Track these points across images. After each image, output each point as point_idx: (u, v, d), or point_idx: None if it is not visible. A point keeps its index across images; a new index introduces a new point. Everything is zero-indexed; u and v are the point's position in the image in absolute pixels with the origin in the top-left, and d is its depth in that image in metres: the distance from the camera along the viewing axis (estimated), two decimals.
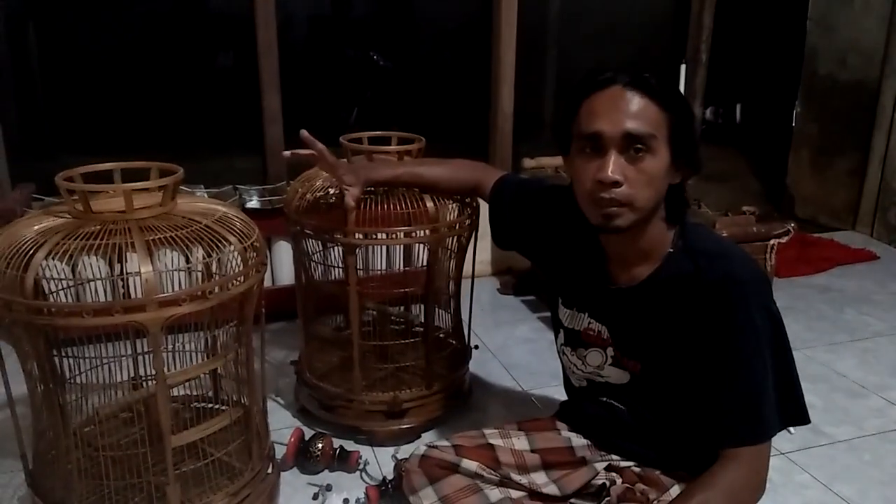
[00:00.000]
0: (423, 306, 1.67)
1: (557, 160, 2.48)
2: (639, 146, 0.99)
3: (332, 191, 1.55)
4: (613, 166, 0.99)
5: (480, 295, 1.79)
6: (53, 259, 1.11)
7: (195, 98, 2.74)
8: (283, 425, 1.69)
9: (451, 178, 1.48)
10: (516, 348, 2.15)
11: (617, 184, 0.99)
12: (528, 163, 2.50)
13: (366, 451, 1.59)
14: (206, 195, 2.14)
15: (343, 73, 3.24)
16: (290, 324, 2.10)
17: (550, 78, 3.31)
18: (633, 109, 0.99)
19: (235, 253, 1.19)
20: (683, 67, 3.03)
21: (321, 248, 1.69)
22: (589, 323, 1.19)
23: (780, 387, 1.04)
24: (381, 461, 1.57)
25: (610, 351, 1.17)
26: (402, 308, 1.87)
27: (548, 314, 2.40)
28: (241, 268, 1.19)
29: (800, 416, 1.07)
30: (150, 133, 2.63)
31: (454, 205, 1.58)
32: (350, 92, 3.26)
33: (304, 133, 1.41)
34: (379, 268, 1.87)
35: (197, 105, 2.75)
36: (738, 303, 1.01)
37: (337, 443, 1.56)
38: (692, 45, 2.97)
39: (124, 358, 1.42)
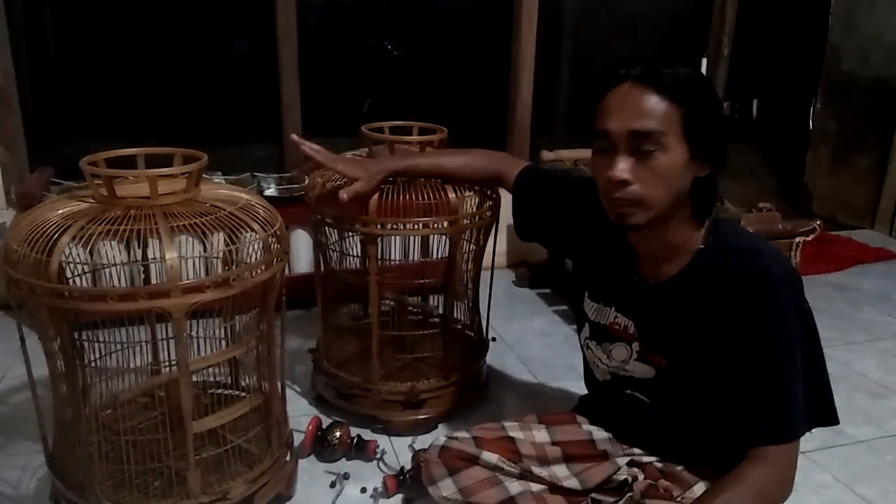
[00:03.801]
0: (441, 297, 1.66)
1: (576, 153, 2.46)
2: (648, 144, 0.97)
3: None
4: (621, 165, 0.99)
5: (496, 287, 1.78)
6: (77, 245, 1.10)
7: (212, 84, 2.73)
8: (299, 413, 1.69)
9: (473, 168, 1.46)
10: (532, 341, 2.14)
11: (626, 183, 0.99)
12: (547, 155, 2.48)
13: (383, 441, 1.59)
14: (223, 182, 2.14)
15: (358, 62, 3.22)
16: (306, 312, 2.10)
17: (569, 70, 3.28)
18: (641, 107, 0.97)
19: (258, 241, 1.19)
20: (705, 61, 3.00)
21: (338, 236, 1.68)
22: (615, 317, 1.18)
23: (811, 387, 1.03)
24: (398, 451, 1.57)
25: (636, 346, 1.16)
26: (419, 298, 1.86)
27: (563, 307, 2.39)
28: (264, 256, 1.18)
29: (829, 417, 1.06)
30: (166, 119, 2.63)
31: (475, 197, 1.57)
32: (364, 81, 3.24)
33: (294, 137, 1.42)
34: (395, 258, 1.86)
35: (213, 91, 2.74)
36: (770, 300, 1.00)
37: (354, 432, 1.56)
38: (714, 39, 2.94)
39: (146, 343, 1.42)
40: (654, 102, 0.97)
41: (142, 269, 1.40)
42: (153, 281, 1.36)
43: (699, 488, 1.13)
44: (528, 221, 1.38)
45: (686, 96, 0.98)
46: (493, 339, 1.86)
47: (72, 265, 1.26)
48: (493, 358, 1.91)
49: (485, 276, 1.73)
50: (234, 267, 1.17)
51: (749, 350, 1.02)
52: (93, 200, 1.16)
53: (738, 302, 1.01)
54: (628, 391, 1.20)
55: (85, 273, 1.37)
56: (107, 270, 1.44)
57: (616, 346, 1.19)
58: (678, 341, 1.10)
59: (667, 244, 1.08)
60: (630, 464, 1.21)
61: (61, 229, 1.08)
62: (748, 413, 1.02)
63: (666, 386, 1.15)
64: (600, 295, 1.21)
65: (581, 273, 1.28)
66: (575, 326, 2.14)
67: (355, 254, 1.73)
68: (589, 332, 1.24)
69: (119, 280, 1.47)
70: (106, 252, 1.46)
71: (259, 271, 1.17)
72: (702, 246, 1.07)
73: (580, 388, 1.39)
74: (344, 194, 1.36)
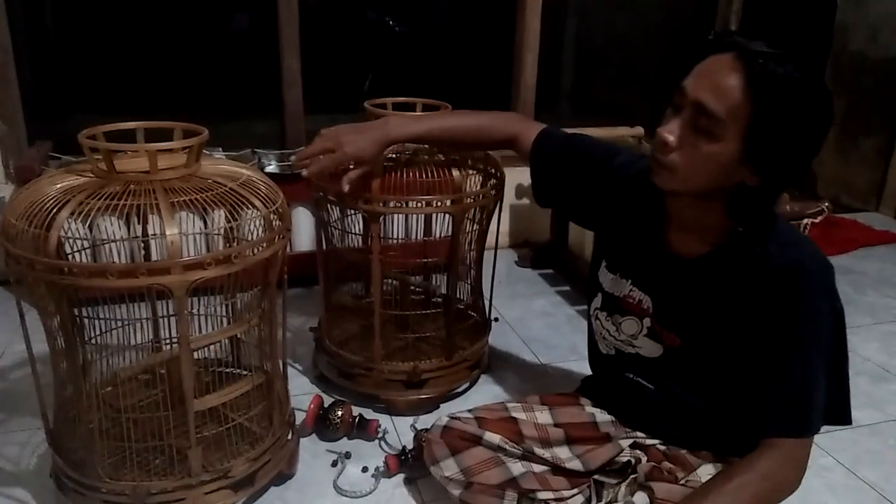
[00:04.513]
0: (445, 277, 1.65)
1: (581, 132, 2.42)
2: (705, 123, 0.92)
3: None
4: (671, 127, 0.95)
5: (498, 267, 1.77)
6: (76, 220, 1.09)
7: (212, 59, 2.70)
8: (301, 392, 1.68)
9: (486, 130, 1.34)
10: (534, 321, 2.13)
11: (668, 146, 0.95)
12: None
13: (385, 420, 1.58)
14: (224, 158, 2.11)
15: (359, 38, 3.18)
16: (307, 290, 2.09)
17: (573, 48, 3.23)
18: (719, 83, 0.91)
19: (260, 217, 1.17)
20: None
21: (340, 214, 1.66)
22: (630, 290, 1.16)
23: (832, 384, 1.02)
24: (399, 430, 1.57)
25: (647, 321, 1.14)
26: (422, 278, 1.85)
27: (566, 288, 2.38)
28: (266, 233, 1.17)
29: (843, 416, 1.06)
30: (166, 94, 2.60)
31: (479, 175, 1.55)
32: (365, 58, 3.20)
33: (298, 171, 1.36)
34: (397, 237, 1.84)
35: (214, 67, 2.71)
36: (805, 293, 0.98)
37: (356, 411, 1.55)
38: (721, 17, 2.89)
39: (146, 320, 1.41)
40: (735, 87, 0.90)
41: (142, 244, 1.38)
42: (154, 257, 1.35)
43: (703, 471, 1.13)
44: (548, 186, 1.30)
45: (766, 97, 0.89)
46: (496, 320, 1.85)
47: (71, 240, 1.24)
48: (495, 338, 1.90)
49: (487, 255, 1.71)
50: (235, 244, 1.15)
51: (777, 340, 1.00)
52: (92, 175, 1.14)
53: (772, 290, 0.99)
54: (630, 375, 1.19)
55: (84, 249, 1.36)
56: (106, 246, 1.43)
57: (627, 319, 1.17)
58: (697, 320, 1.08)
59: (703, 218, 1.04)
60: (633, 446, 1.21)
61: (60, 204, 1.06)
62: (767, 403, 1.01)
63: (672, 367, 1.13)
64: (618, 266, 1.19)
65: (602, 242, 1.25)
66: (576, 308, 2.14)
67: (357, 232, 1.71)
68: (600, 302, 1.22)
69: (119, 256, 1.45)
70: (105, 227, 1.44)
71: (261, 248, 1.15)
72: (740, 228, 1.02)
73: (582, 369, 1.38)
74: (346, 184, 1.31)
